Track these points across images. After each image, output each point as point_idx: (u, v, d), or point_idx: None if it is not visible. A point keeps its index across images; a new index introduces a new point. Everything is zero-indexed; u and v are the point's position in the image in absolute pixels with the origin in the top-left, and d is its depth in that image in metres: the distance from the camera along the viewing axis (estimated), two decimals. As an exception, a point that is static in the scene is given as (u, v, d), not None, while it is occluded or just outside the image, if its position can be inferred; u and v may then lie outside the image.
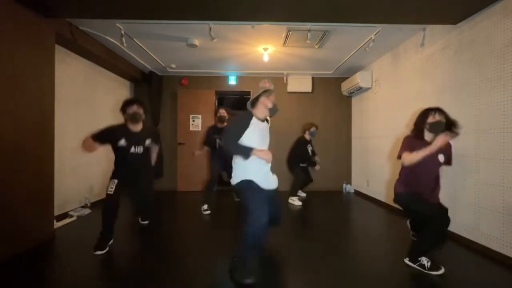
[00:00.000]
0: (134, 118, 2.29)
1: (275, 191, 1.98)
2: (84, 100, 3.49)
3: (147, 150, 2.48)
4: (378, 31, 2.95)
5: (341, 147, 4.97)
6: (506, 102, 1.99)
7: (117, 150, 2.31)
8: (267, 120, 2.05)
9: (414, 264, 1.92)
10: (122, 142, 2.26)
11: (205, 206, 3.44)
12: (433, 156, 1.88)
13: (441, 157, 1.94)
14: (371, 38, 3.07)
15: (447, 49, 2.58)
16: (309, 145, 4.04)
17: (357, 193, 4.69)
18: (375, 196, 4.03)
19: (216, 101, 5.19)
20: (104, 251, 2.16)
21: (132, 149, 2.32)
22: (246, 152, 1.77)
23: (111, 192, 2.23)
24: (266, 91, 1.89)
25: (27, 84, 2.18)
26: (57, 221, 2.75)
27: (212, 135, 3.54)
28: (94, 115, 3.70)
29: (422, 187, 1.95)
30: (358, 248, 2.30)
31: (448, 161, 1.99)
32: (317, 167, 4.11)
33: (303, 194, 4.33)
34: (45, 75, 2.36)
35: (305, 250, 2.22)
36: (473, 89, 2.28)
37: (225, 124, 3.55)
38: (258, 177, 1.84)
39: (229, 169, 3.58)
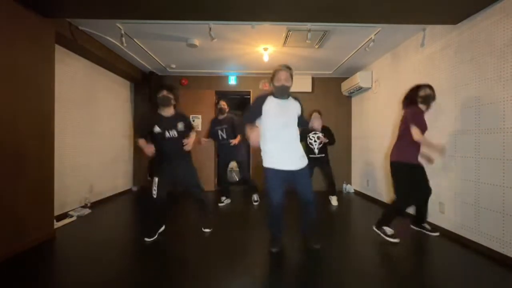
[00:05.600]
0: (163, 102, 2.36)
1: (300, 171, 2.03)
2: (84, 100, 3.49)
3: (182, 135, 2.41)
4: (378, 31, 2.95)
5: (341, 147, 4.96)
6: (506, 102, 1.99)
7: (154, 138, 2.36)
8: (298, 100, 2.20)
9: (379, 231, 2.45)
10: (157, 128, 2.32)
11: (223, 198, 3.79)
12: (425, 124, 2.31)
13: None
14: (371, 38, 3.07)
15: (447, 49, 2.58)
16: (314, 133, 3.73)
17: (357, 193, 4.69)
18: (375, 196, 4.03)
19: (216, 101, 5.19)
20: (152, 239, 2.39)
21: (167, 134, 2.34)
22: (245, 125, 2.02)
23: (155, 195, 2.33)
24: (273, 73, 2.05)
25: (27, 84, 2.18)
26: (57, 221, 2.75)
27: (214, 127, 3.69)
28: (94, 115, 3.70)
29: (417, 150, 2.35)
30: (357, 248, 2.29)
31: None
32: (322, 138, 3.68)
33: (334, 203, 3.82)
34: (45, 75, 2.36)
35: (304, 250, 2.22)
36: (473, 89, 2.28)
37: (226, 115, 3.69)
38: (274, 160, 2.01)
39: (237, 158, 3.69)
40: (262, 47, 3.51)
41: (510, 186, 1.95)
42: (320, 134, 3.76)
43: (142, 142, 2.37)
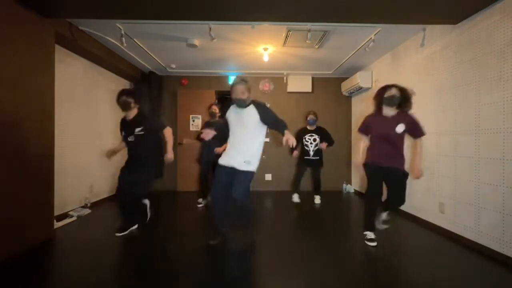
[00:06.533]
0: (122, 107, 2.45)
1: (240, 171, 2.14)
2: (84, 100, 3.49)
3: (141, 138, 2.41)
4: (378, 31, 2.95)
5: (341, 147, 4.97)
6: (506, 102, 1.99)
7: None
8: (258, 105, 2.21)
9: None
10: (123, 132, 2.49)
11: (200, 199, 3.77)
12: (389, 127, 2.19)
13: (399, 128, 2.16)
14: (371, 38, 3.07)
15: (447, 49, 2.58)
16: (310, 135, 3.80)
17: (357, 193, 4.69)
18: (375, 196, 4.02)
19: (216, 101, 5.18)
20: (123, 233, 2.51)
21: (129, 138, 2.44)
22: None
23: (116, 189, 2.47)
24: (230, 87, 2.21)
25: (27, 84, 2.18)
26: (57, 221, 2.75)
27: (204, 128, 3.67)
28: (94, 115, 3.70)
29: (379, 152, 2.27)
30: (357, 248, 2.29)
31: (414, 132, 2.20)
32: (294, 153, 3.77)
33: (296, 200, 3.95)
34: (45, 75, 2.36)
35: (304, 250, 2.22)
36: (473, 89, 2.28)
37: (216, 119, 3.73)
38: (223, 158, 2.24)
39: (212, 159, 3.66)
40: (262, 47, 3.51)
41: (510, 186, 1.95)
42: (316, 136, 3.80)
43: (116, 145, 2.65)
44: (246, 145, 2.19)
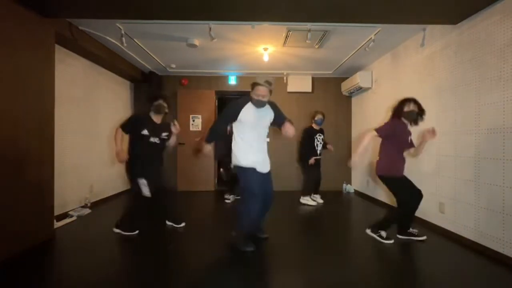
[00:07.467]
0: (158, 110, 2.54)
1: (269, 172, 2.28)
2: (84, 100, 3.49)
3: (163, 142, 2.61)
4: (378, 31, 2.95)
5: (341, 147, 4.96)
6: (506, 102, 1.99)
7: (138, 138, 2.47)
8: (272, 105, 2.24)
9: (375, 234, 2.44)
10: (145, 131, 2.46)
11: (227, 195, 4.03)
12: (406, 138, 2.36)
13: (410, 139, 2.38)
14: (371, 38, 3.07)
15: (447, 49, 2.58)
16: (319, 134, 3.86)
17: (357, 193, 4.69)
18: (375, 196, 4.03)
19: (216, 101, 5.19)
20: (135, 232, 2.55)
21: (151, 139, 2.51)
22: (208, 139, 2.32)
23: (148, 194, 2.43)
24: (253, 84, 2.09)
25: (27, 84, 2.18)
26: (57, 221, 2.75)
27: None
28: (94, 115, 3.70)
29: (403, 162, 2.38)
30: (357, 248, 2.29)
31: (412, 143, 2.42)
32: (329, 147, 3.95)
33: (319, 200, 3.96)
34: (45, 75, 2.36)
35: (304, 250, 2.23)
36: (473, 89, 2.28)
37: None
38: (253, 163, 2.13)
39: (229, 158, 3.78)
40: (262, 47, 3.51)
41: (510, 186, 1.95)
42: (323, 136, 3.92)
43: (119, 136, 2.42)
44: (266, 146, 2.28)
